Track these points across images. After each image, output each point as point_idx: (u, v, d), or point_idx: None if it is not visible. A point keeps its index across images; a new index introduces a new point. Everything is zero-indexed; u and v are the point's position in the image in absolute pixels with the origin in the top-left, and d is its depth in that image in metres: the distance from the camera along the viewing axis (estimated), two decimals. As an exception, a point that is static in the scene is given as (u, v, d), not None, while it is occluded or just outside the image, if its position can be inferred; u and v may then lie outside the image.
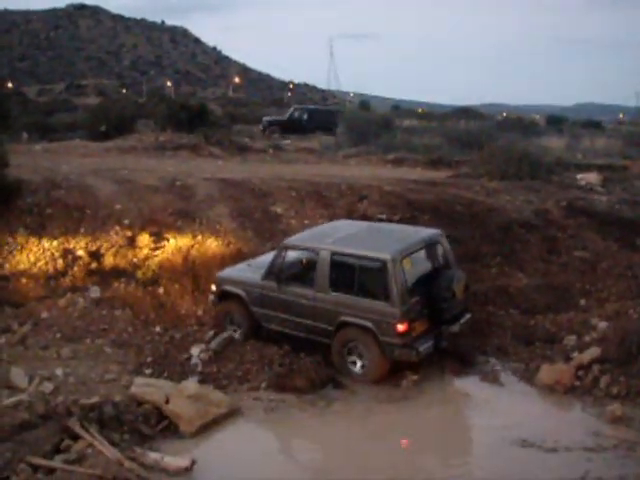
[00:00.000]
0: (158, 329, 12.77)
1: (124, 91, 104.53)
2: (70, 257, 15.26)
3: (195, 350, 11.98)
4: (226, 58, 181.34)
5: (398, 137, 35.16)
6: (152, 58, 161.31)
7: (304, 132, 39.79)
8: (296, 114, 42.49)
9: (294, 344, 11.90)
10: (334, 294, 11.32)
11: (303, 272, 12.11)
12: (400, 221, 16.29)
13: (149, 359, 11.77)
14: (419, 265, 11.66)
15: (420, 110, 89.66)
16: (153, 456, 8.88)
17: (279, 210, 16.88)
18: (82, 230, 15.85)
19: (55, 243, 15.50)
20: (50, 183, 17.39)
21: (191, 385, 10.49)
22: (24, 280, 14.62)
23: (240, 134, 38.13)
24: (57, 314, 13.29)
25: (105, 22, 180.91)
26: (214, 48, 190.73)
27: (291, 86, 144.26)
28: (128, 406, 9.86)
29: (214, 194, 17.67)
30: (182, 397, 10.07)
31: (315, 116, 42.88)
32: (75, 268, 15.02)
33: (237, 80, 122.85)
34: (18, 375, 10.47)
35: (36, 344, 12.20)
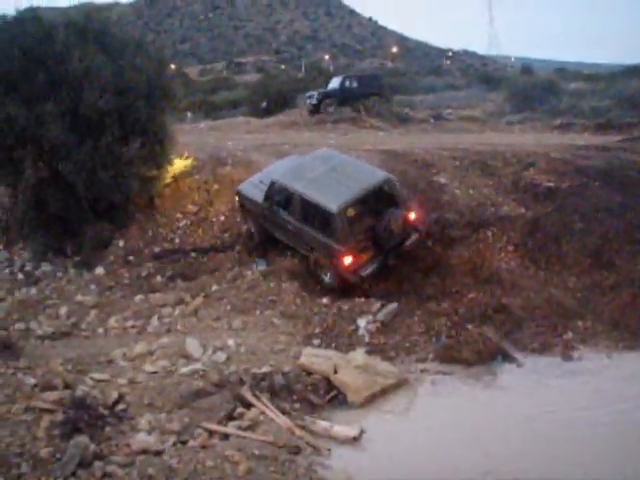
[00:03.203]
0: (325, 300, 12.88)
1: (282, 67, 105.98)
2: (237, 231, 15.67)
3: (362, 321, 11.99)
4: (382, 28, 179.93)
5: (564, 101, 33.92)
6: (308, 32, 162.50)
7: (356, 100, 37.60)
8: (347, 83, 37.84)
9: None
10: (304, 225, 13.64)
11: (287, 202, 14.07)
12: (569, 188, 15.71)
13: (317, 330, 11.92)
14: (365, 207, 13.63)
15: (586, 72, 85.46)
16: (322, 425, 9.04)
17: (443, 180, 16.61)
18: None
19: (222, 218, 15.95)
20: (216, 160, 17.93)
21: (359, 356, 10.56)
22: (194, 254, 15.16)
23: (400, 104, 37.77)
24: (226, 287, 13.69)
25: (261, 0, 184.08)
26: (369, 19, 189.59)
27: (450, 54, 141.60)
28: (298, 376, 10.12)
29: (376, 165, 17.61)
30: (350, 367, 10.18)
31: (364, 82, 38.61)
32: (242, 242, 15.42)
33: (394, 50, 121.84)
34: (192, 345, 10.86)
35: (208, 315, 12.63)
